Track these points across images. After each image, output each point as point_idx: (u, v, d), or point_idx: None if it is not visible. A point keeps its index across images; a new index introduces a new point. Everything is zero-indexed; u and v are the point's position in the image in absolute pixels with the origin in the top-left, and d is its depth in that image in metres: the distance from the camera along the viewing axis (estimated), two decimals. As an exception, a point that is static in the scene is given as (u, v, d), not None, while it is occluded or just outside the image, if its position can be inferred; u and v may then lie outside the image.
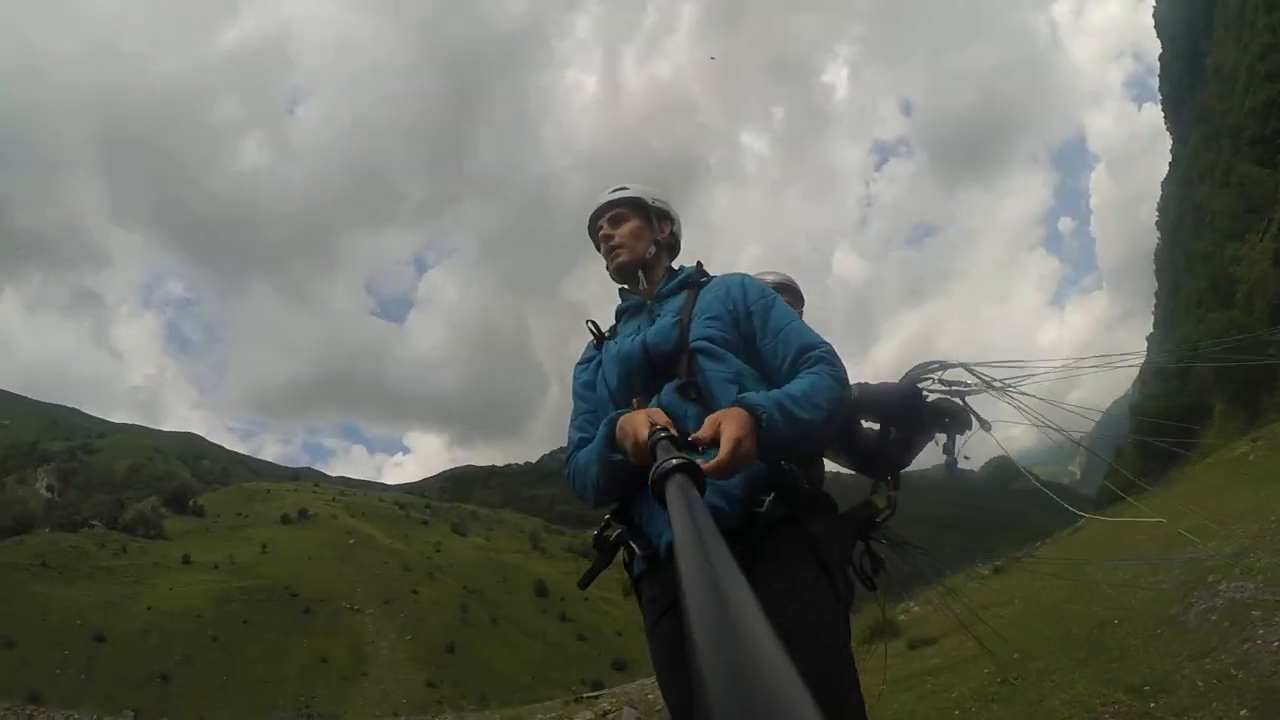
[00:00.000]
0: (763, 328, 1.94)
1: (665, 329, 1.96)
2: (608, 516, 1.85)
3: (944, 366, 2.59)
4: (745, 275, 2.12)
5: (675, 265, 2.21)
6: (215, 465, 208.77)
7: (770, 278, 2.73)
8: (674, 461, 0.80)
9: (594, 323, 2.17)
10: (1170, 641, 4.48)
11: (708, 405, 1.82)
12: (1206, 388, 28.89)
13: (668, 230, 2.21)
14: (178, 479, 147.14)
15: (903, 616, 12.96)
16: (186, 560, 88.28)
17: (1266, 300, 30.87)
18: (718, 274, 2.15)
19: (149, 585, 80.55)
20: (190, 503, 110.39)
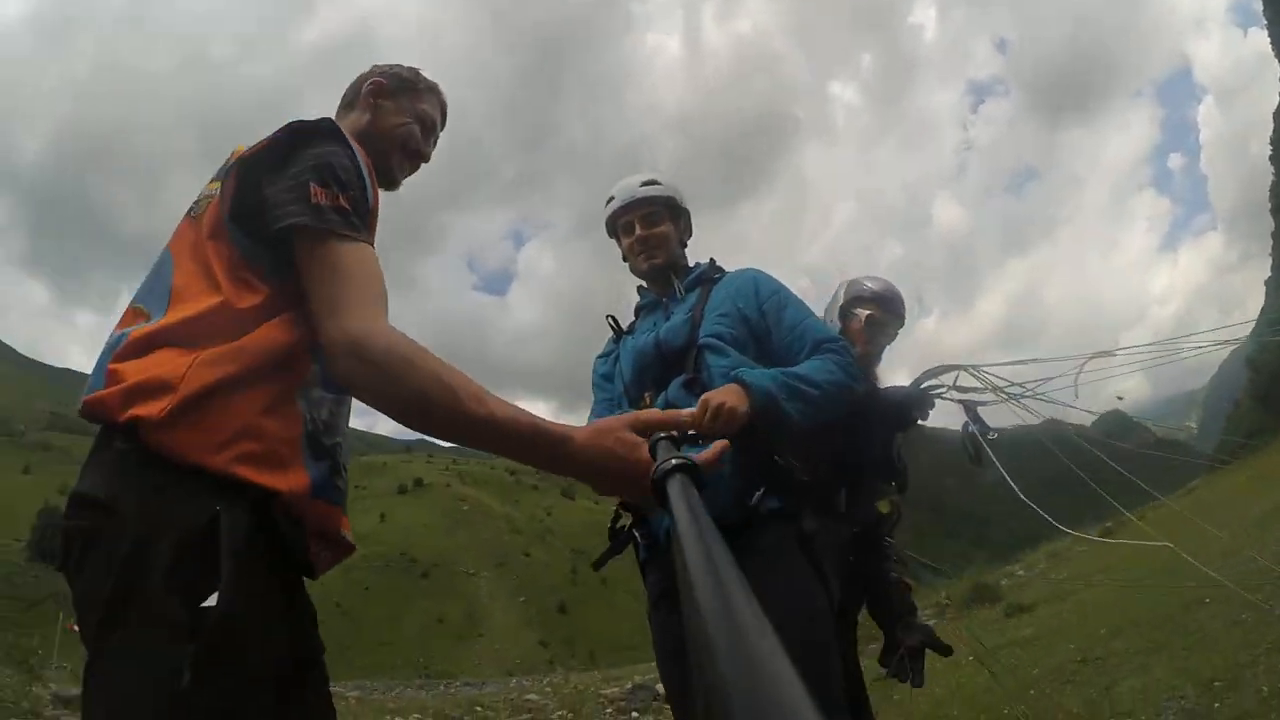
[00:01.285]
0: (777, 325, 1.99)
1: (677, 326, 2.02)
2: (617, 507, 1.91)
3: (954, 369, 2.53)
4: (757, 271, 2.13)
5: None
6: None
7: (878, 285, 2.59)
8: (674, 461, 0.78)
9: (614, 318, 2.25)
10: (1252, 629, 4.11)
11: None
12: (1335, 334, 26.13)
13: (688, 229, 2.23)
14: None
15: (1005, 581, 12.43)
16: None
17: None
18: (732, 269, 2.18)
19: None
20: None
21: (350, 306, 1.09)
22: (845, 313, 2.58)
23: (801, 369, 1.85)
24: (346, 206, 1.16)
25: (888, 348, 2.61)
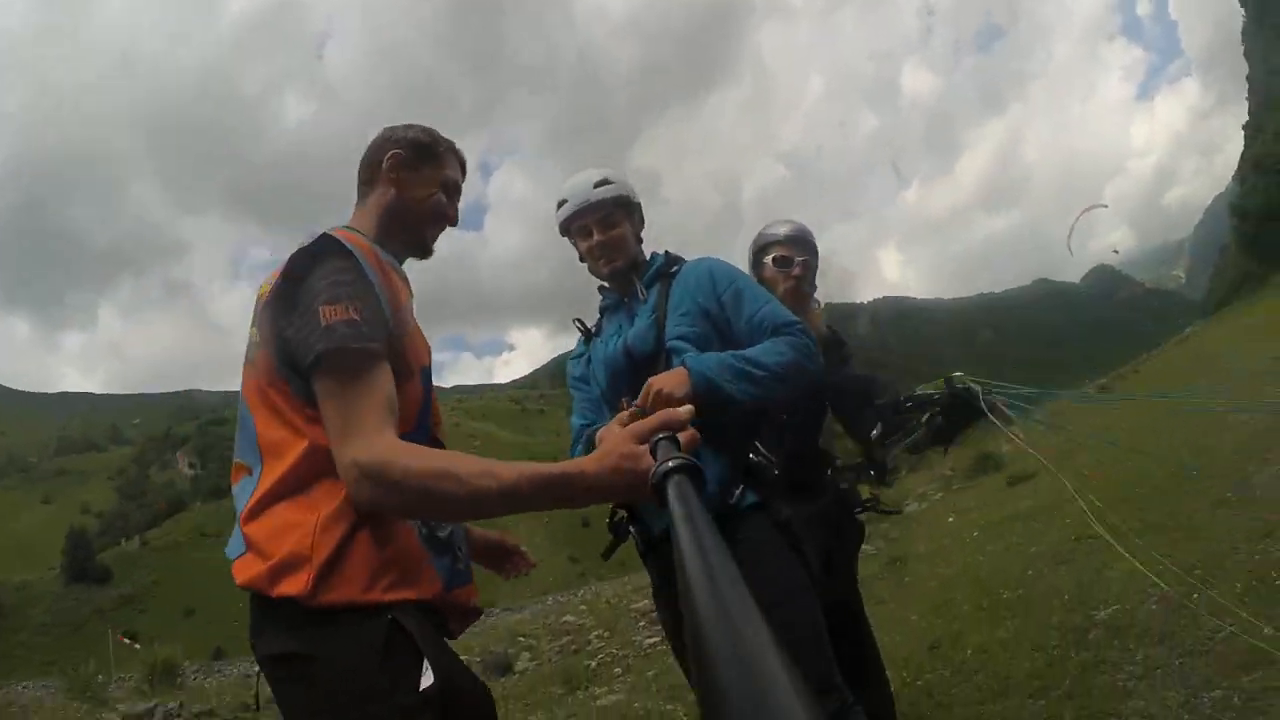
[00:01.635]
0: (736, 315, 2.03)
1: (643, 331, 2.05)
2: (612, 504, 1.96)
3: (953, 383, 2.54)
4: (713, 261, 2.15)
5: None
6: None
7: (784, 229, 2.65)
8: (670, 463, 0.79)
9: (580, 321, 2.29)
10: (1237, 509, 4.16)
11: None
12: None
13: (641, 222, 2.22)
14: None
15: (1006, 447, 12.41)
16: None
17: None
18: (690, 256, 2.20)
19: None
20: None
21: (349, 433, 1.17)
22: (756, 262, 2.65)
23: (751, 351, 1.91)
24: (356, 317, 1.22)
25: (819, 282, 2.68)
